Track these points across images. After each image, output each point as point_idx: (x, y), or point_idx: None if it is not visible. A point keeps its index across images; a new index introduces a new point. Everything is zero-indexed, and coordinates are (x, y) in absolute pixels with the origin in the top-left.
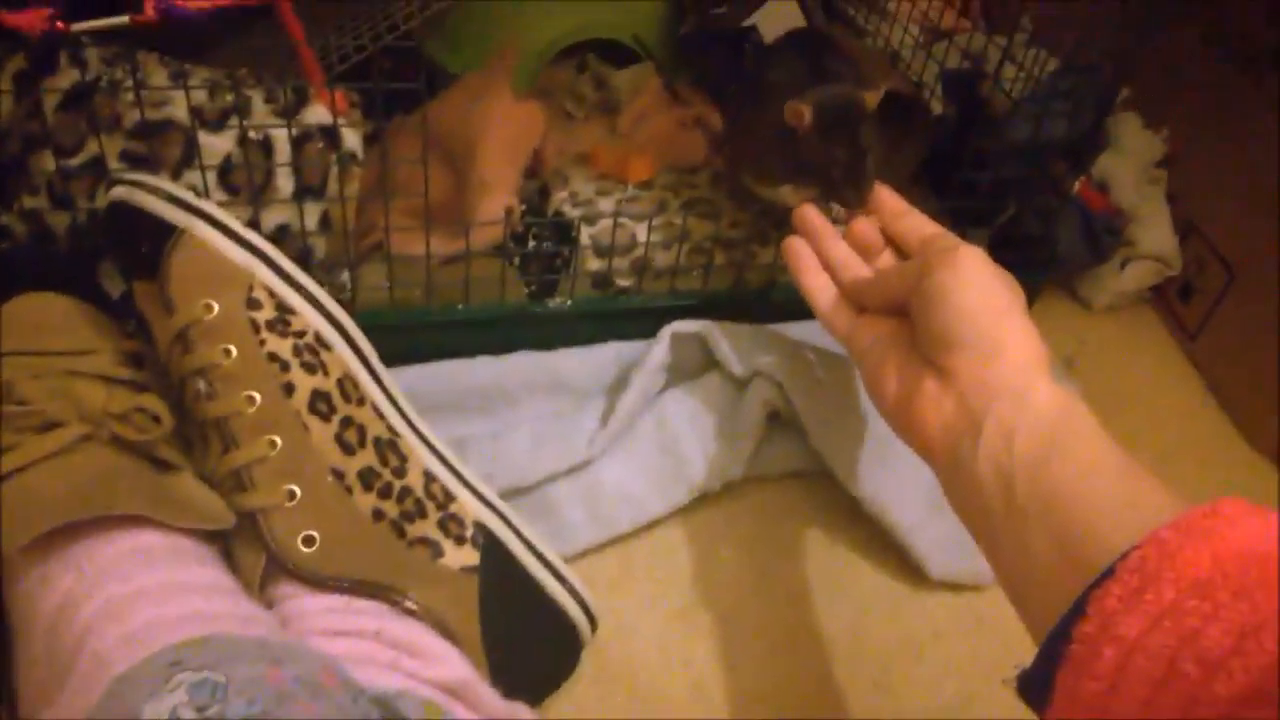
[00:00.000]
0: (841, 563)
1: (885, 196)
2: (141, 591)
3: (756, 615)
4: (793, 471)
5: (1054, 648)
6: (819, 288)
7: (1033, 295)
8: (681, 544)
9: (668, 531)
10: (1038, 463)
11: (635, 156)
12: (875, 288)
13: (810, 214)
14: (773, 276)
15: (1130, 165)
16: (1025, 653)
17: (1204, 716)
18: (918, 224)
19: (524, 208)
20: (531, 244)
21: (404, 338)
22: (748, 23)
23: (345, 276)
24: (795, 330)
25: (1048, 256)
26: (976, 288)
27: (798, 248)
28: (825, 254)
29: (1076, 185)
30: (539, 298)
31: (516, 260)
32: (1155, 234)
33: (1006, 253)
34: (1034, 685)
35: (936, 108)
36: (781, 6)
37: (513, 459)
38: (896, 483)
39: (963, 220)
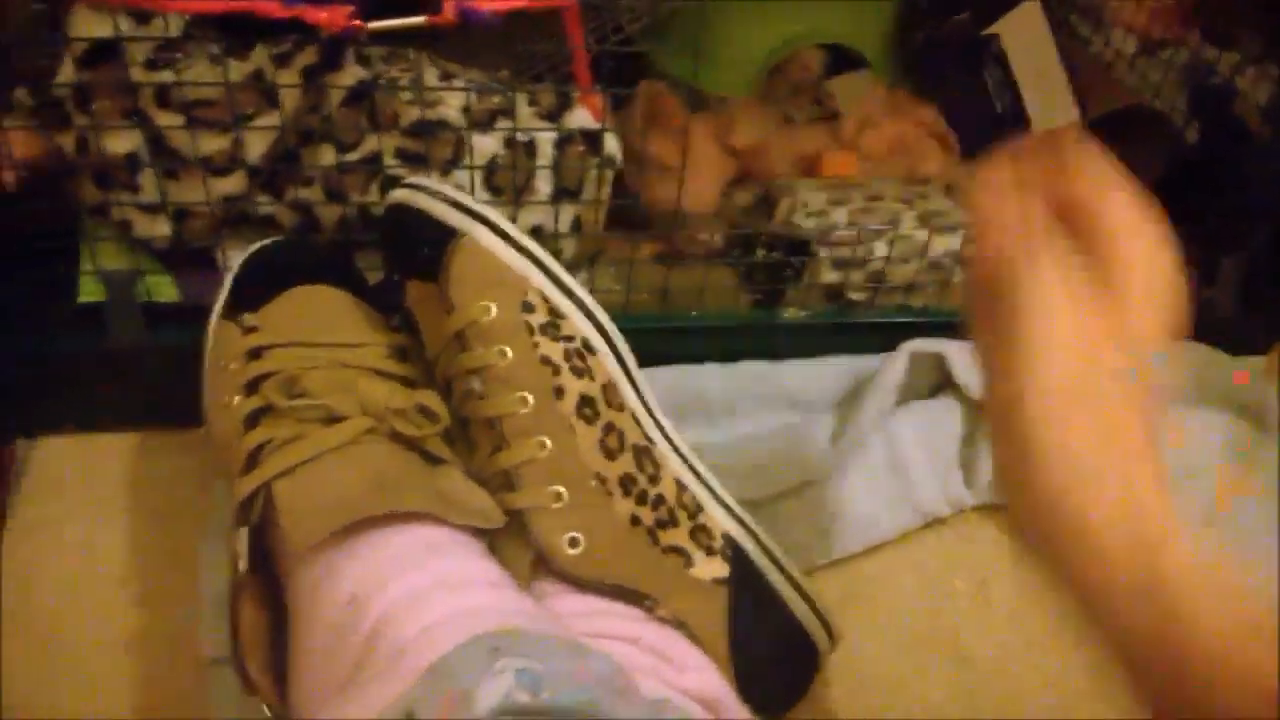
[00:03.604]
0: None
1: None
2: (438, 583)
3: (992, 655)
4: None
5: None
6: None
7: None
8: (911, 570)
9: (897, 555)
10: None
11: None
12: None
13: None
14: None
15: None
16: None
17: None
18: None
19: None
20: (760, 253)
21: (634, 341)
22: (989, 30)
23: (582, 278)
24: None
25: None
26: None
27: None
28: None
29: None
30: (763, 307)
31: (742, 269)
32: None
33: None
34: None
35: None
36: (1027, 12)
37: (746, 471)
38: None
39: (1212, 246)
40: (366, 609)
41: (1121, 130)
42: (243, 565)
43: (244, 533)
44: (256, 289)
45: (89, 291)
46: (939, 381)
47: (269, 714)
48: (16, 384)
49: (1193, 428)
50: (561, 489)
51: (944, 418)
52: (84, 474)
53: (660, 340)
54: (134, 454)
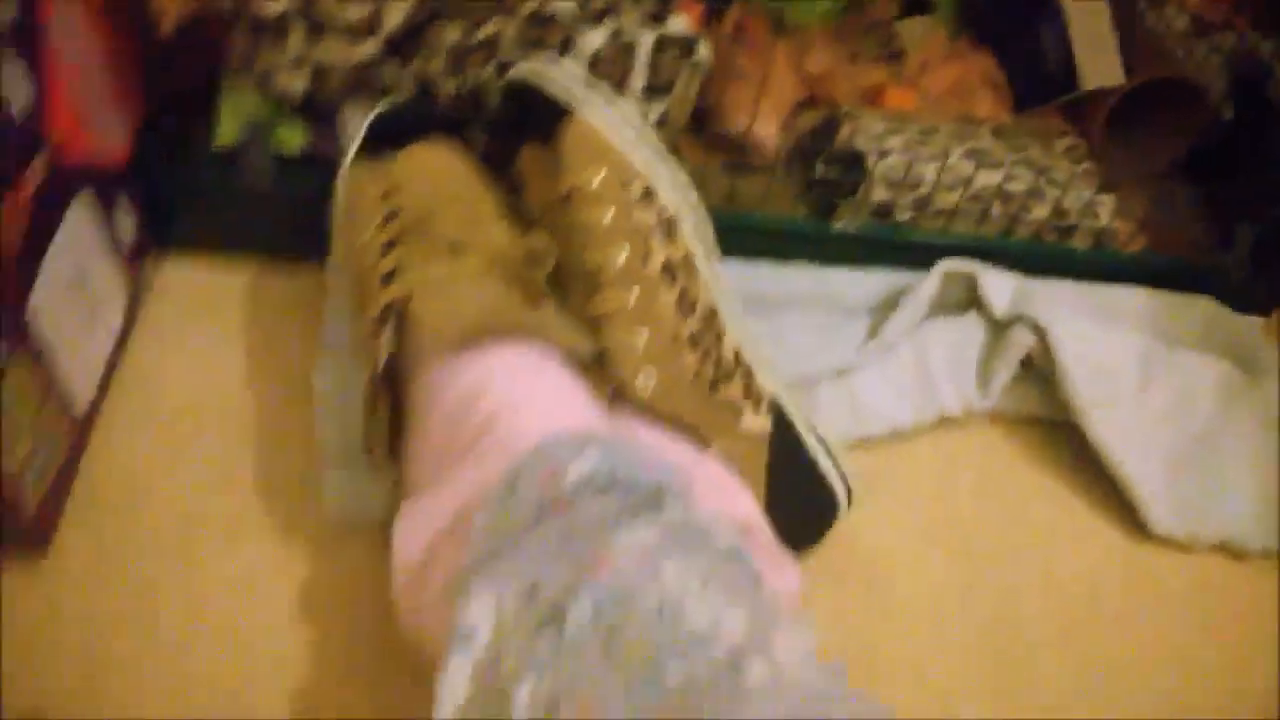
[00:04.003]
0: (1076, 512)
1: None
2: (543, 390)
3: (989, 547)
4: (1033, 416)
5: None
6: None
7: None
8: (929, 459)
9: (912, 447)
10: None
11: (901, 88)
12: None
13: None
14: (1040, 233)
15: None
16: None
17: None
18: None
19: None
20: (820, 168)
21: None
22: None
23: None
24: (1055, 286)
25: None
26: None
27: None
28: None
29: None
30: (817, 217)
31: (802, 181)
32: None
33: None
34: None
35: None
36: None
37: (788, 353)
38: (1141, 439)
39: (1230, 214)
40: (481, 403)
41: (1160, 99)
42: (385, 357)
43: (391, 327)
44: (385, 141)
45: (226, 135)
46: (968, 301)
47: (385, 496)
48: (155, 211)
49: (1192, 365)
50: (642, 333)
51: (968, 332)
52: (208, 290)
53: (723, 237)
54: (253, 277)
